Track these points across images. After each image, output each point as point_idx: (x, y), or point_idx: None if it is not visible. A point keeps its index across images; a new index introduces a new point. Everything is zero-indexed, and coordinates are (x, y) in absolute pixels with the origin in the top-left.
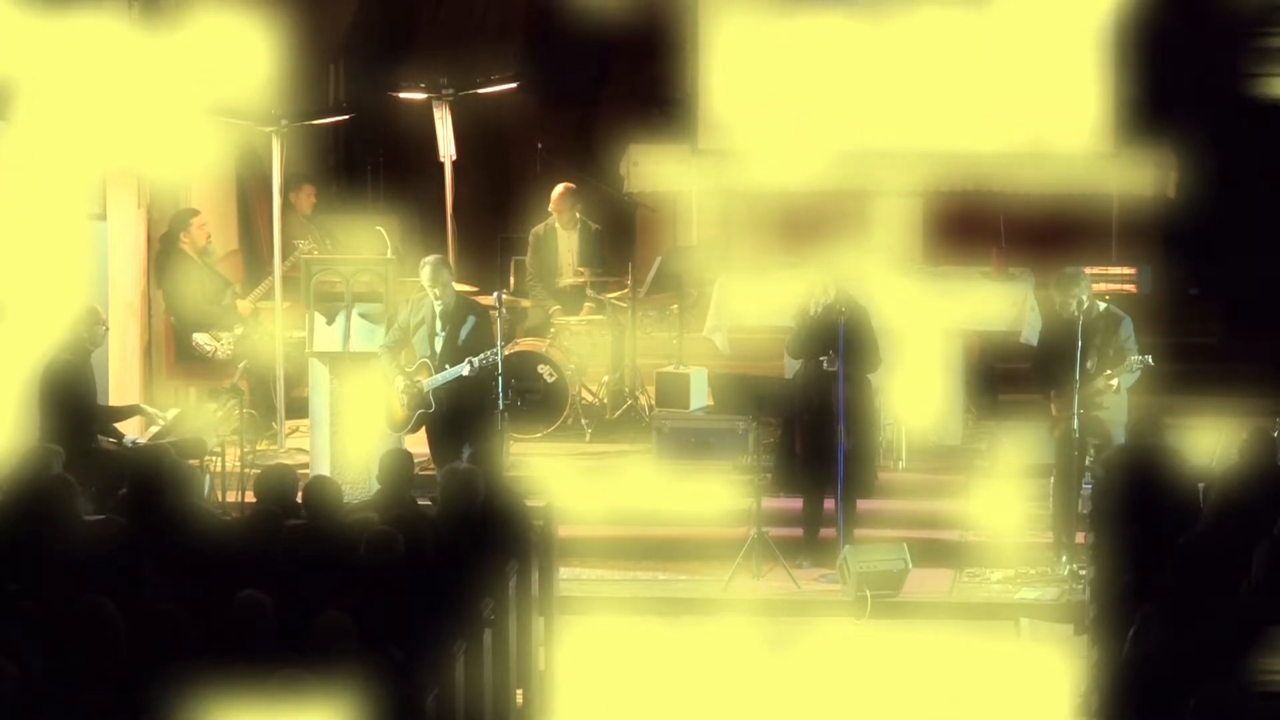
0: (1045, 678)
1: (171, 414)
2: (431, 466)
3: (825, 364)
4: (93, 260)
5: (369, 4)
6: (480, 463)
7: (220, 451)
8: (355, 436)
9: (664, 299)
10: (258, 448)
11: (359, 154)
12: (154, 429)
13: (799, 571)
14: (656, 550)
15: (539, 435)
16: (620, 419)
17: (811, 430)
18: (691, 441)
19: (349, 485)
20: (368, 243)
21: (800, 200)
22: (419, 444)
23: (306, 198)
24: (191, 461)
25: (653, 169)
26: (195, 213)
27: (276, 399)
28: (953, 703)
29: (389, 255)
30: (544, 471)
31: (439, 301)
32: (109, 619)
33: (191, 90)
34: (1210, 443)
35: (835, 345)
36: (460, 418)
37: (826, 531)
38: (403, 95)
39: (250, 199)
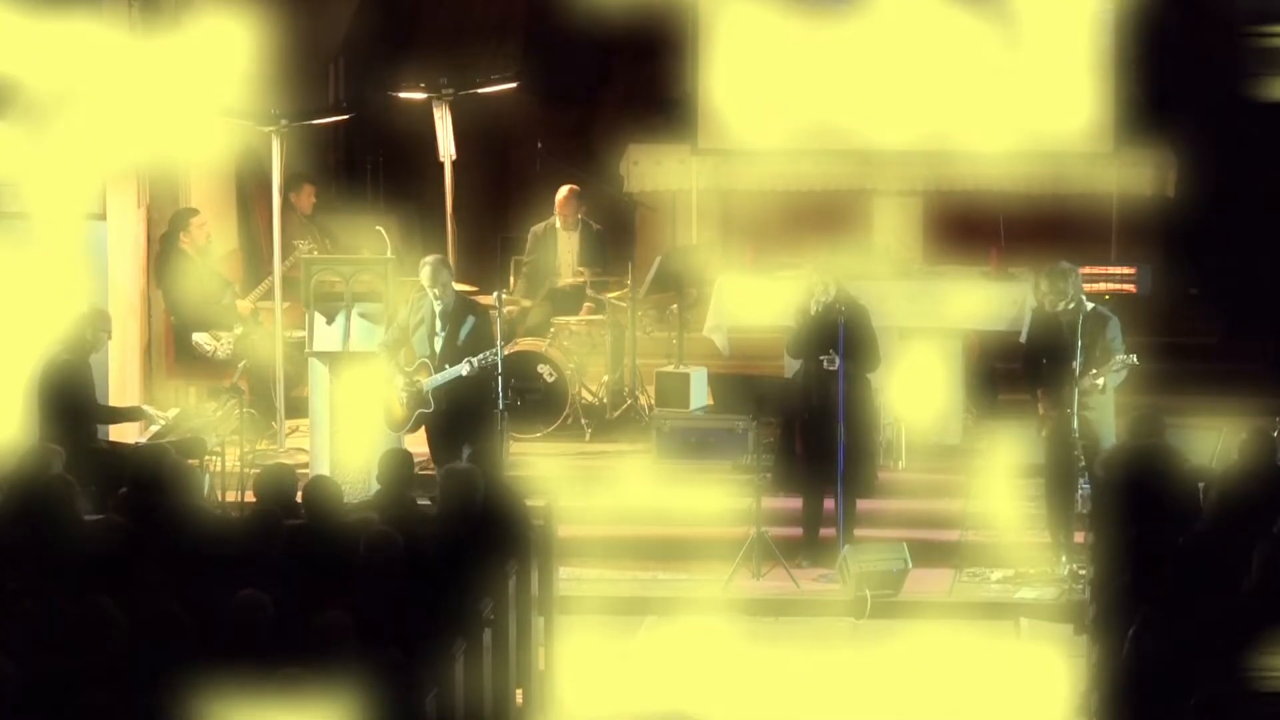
0: (1045, 677)
1: (171, 414)
2: (431, 466)
3: (825, 363)
4: (93, 260)
5: (369, 4)
6: (480, 462)
7: (220, 451)
8: (355, 436)
9: (664, 299)
10: (257, 447)
11: (359, 154)
12: (154, 429)
13: (799, 571)
14: (656, 550)
15: (539, 435)
16: (620, 419)
17: (811, 430)
18: (691, 441)
19: (349, 485)
20: (368, 243)
21: (800, 200)
22: (419, 444)
23: (306, 197)
24: (191, 461)
25: (652, 169)
26: (195, 212)
27: (276, 399)
28: (952, 702)
29: (389, 255)
30: (544, 471)
31: (439, 301)
32: (109, 619)
33: (191, 90)
34: (1210, 442)
35: (835, 345)
36: (460, 417)
37: (826, 531)
38: (402, 95)
39: (250, 199)
